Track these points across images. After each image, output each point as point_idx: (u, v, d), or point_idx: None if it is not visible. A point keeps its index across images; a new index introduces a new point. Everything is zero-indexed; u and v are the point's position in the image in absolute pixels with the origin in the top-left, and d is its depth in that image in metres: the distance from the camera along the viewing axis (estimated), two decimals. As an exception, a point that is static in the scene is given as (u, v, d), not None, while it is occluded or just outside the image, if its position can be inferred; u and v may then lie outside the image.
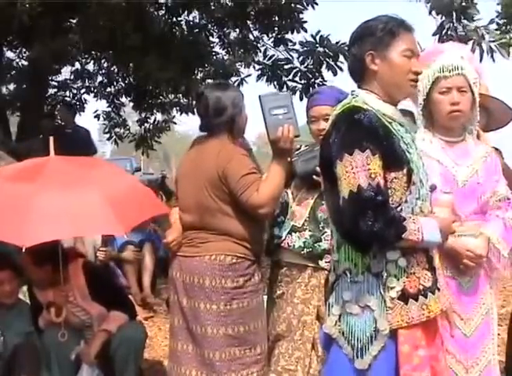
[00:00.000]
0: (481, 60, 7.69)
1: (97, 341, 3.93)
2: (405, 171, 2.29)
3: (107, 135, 11.05)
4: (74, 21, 8.88)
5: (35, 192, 3.33)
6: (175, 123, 11.30)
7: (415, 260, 2.31)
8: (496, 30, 8.48)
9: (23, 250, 3.14)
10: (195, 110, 3.65)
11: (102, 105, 10.92)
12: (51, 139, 3.69)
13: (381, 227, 2.18)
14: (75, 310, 4.03)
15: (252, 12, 9.45)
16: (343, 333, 2.34)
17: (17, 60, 10.43)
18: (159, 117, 10.82)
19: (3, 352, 3.99)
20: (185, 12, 9.68)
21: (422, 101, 2.91)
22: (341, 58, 8.84)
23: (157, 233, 6.29)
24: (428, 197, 2.41)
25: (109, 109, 10.87)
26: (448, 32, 7.91)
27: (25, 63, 10.12)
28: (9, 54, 10.20)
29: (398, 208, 2.29)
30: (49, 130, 8.44)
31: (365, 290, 2.29)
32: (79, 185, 3.39)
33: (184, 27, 9.81)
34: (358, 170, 2.21)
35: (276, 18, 9.50)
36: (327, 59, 9.00)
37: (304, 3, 9.40)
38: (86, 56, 10.13)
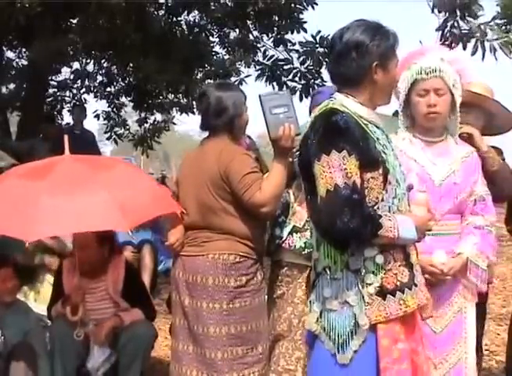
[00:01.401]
0: (483, 59, 7.69)
1: (108, 323, 3.95)
2: (380, 171, 2.37)
3: (107, 135, 11.05)
4: (74, 21, 8.88)
5: (42, 189, 3.35)
6: (175, 123, 11.31)
7: (392, 257, 2.37)
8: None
9: (27, 245, 3.16)
10: (196, 109, 3.65)
11: (102, 105, 10.93)
12: (65, 137, 3.67)
13: (357, 224, 2.25)
14: (99, 303, 4.05)
15: (252, 12, 9.44)
16: (324, 329, 2.41)
17: (17, 60, 10.43)
18: (159, 117, 10.83)
19: (3, 352, 3.99)
20: (185, 12, 9.68)
21: (402, 102, 2.97)
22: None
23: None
24: (405, 196, 2.48)
25: (109, 109, 10.86)
26: (452, 30, 7.91)
27: (25, 63, 10.12)
28: (9, 54, 10.21)
29: (375, 207, 2.35)
30: (52, 131, 8.48)
31: (344, 286, 2.36)
32: (88, 184, 3.38)
33: (184, 27, 9.81)
34: (334, 170, 2.30)
35: (276, 18, 9.50)
36: (327, 60, 8.99)
37: (304, 3, 9.40)
38: (86, 56, 10.12)
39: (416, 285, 2.41)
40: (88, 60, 10.37)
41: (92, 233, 3.84)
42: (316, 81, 9.29)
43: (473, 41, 7.75)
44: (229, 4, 9.47)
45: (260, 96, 2.98)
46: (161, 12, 9.69)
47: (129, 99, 10.61)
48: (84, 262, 4.00)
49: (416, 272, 2.43)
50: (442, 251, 2.89)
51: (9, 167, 4.82)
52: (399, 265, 2.38)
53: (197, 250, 3.30)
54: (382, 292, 2.34)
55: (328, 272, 2.40)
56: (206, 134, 3.44)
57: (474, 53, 7.72)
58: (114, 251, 4.19)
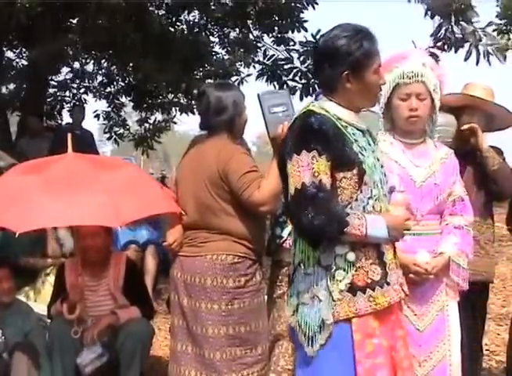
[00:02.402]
0: (477, 63, 7.71)
1: (103, 321, 3.95)
2: (354, 171, 2.41)
3: (107, 135, 11.05)
4: (74, 21, 8.88)
5: (38, 183, 3.41)
6: (175, 123, 11.30)
7: (363, 255, 2.41)
8: (494, 31, 8.50)
9: (16, 235, 3.19)
10: (195, 108, 3.66)
11: (102, 105, 10.93)
12: (69, 136, 3.71)
13: (322, 222, 2.33)
14: (100, 300, 4.05)
15: (252, 12, 9.45)
16: (298, 322, 2.47)
17: (17, 60, 10.43)
18: (159, 116, 10.84)
19: (3, 352, 4.00)
20: (185, 12, 9.68)
21: (383, 105, 3.00)
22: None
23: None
24: (385, 197, 2.51)
25: (109, 109, 10.86)
26: (447, 34, 7.93)
27: (25, 63, 10.12)
28: (9, 54, 10.21)
29: (349, 206, 2.40)
30: (37, 126, 8.48)
31: (315, 281, 2.42)
32: (85, 182, 3.43)
33: (184, 26, 9.81)
34: (303, 168, 2.37)
35: (276, 18, 9.50)
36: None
37: (305, 3, 9.39)
38: (86, 56, 10.12)
39: (388, 283, 2.45)
40: (88, 60, 10.38)
41: None
42: (317, 81, 9.27)
43: (466, 45, 7.78)
44: (229, 4, 9.47)
45: (259, 95, 2.99)
46: (161, 12, 9.70)
47: (129, 98, 10.62)
48: (91, 252, 4.02)
49: (389, 271, 2.46)
50: (425, 250, 2.93)
51: (8, 167, 4.83)
52: (371, 264, 2.42)
53: (195, 250, 3.30)
54: (352, 289, 2.39)
55: (302, 267, 2.47)
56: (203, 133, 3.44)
57: (467, 58, 7.75)
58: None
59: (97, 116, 10.82)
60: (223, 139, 3.32)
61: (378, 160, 2.53)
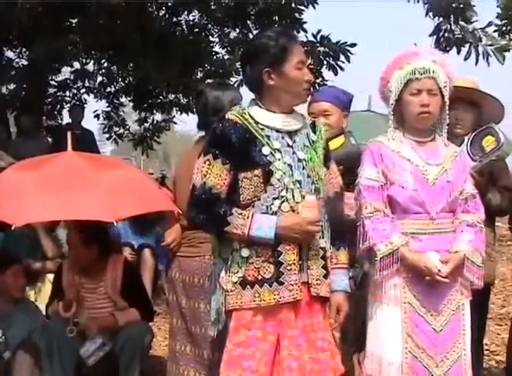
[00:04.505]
0: (476, 63, 7.69)
1: (101, 319, 3.95)
2: (256, 172, 2.55)
3: (107, 135, 11.05)
4: (74, 21, 8.88)
5: (36, 179, 3.46)
6: (175, 123, 11.31)
7: (255, 252, 2.56)
8: (495, 31, 8.50)
9: (13, 228, 3.24)
10: (194, 108, 3.66)
11: (102, 105, 10.92)
12: (69, 134, 3.74)
13: (203, 220, 2.59)
14: (98, 302, 4.05)
15: (252, 12, 9.43)
16: (212, 307, 2.68)
17: (17, 60, 10.40)
18: (159, 116, 10.84)
19: (4, 352, 3.99)
20: (186, 12, 9.67)
21: (393, 102, 2.99)
22: (342, 57, 8.85)
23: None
24: (303, 199, 2.56)
25: (109, 109, 10.86)
26: (446, 34, 7.93)
27: (25, 63, 10.11)
28: (9, 54, 10.18)
29: (251, 205, 2.54)
30: (28, 122, 8.47)
31: (217, 272, 2.63)
32: (82, 178, 3.45)
33: (184, 26, 9.80)
34: (197, 172, 2.62)
35: (276, 18, 9.48)
36: (328, 59, 8.99)
37: (305, 3, 9.38)
38: (86, 55, 10.11)
39: (281, 283, 2.53)
40: (88, 60, 10.35)
41: (78, 234, 3.92)
42: (317, 80, 9.26)
43: (467, 46, 7.77)
44: (229, 4, 9.45)
45: None
46: (161, 12, 9.68)
47: (129, 98, 10.61)
48: (77, 261, 4.04)
49: (285, 272, 2.54)
50: (434, 252, 2.90)
51: (8, 167, 4.83)
52: (263, 261, 2.54)
53: (194, 251, 3.30)
54: (243, 283, 2.55)
55: (213, 257, 2.72)
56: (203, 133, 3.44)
57: (467, 58, 7.75)
58: (112, 251, 4.21)
59: (97, 116, 10.82)
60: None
61: (300, 160, 2.60)
